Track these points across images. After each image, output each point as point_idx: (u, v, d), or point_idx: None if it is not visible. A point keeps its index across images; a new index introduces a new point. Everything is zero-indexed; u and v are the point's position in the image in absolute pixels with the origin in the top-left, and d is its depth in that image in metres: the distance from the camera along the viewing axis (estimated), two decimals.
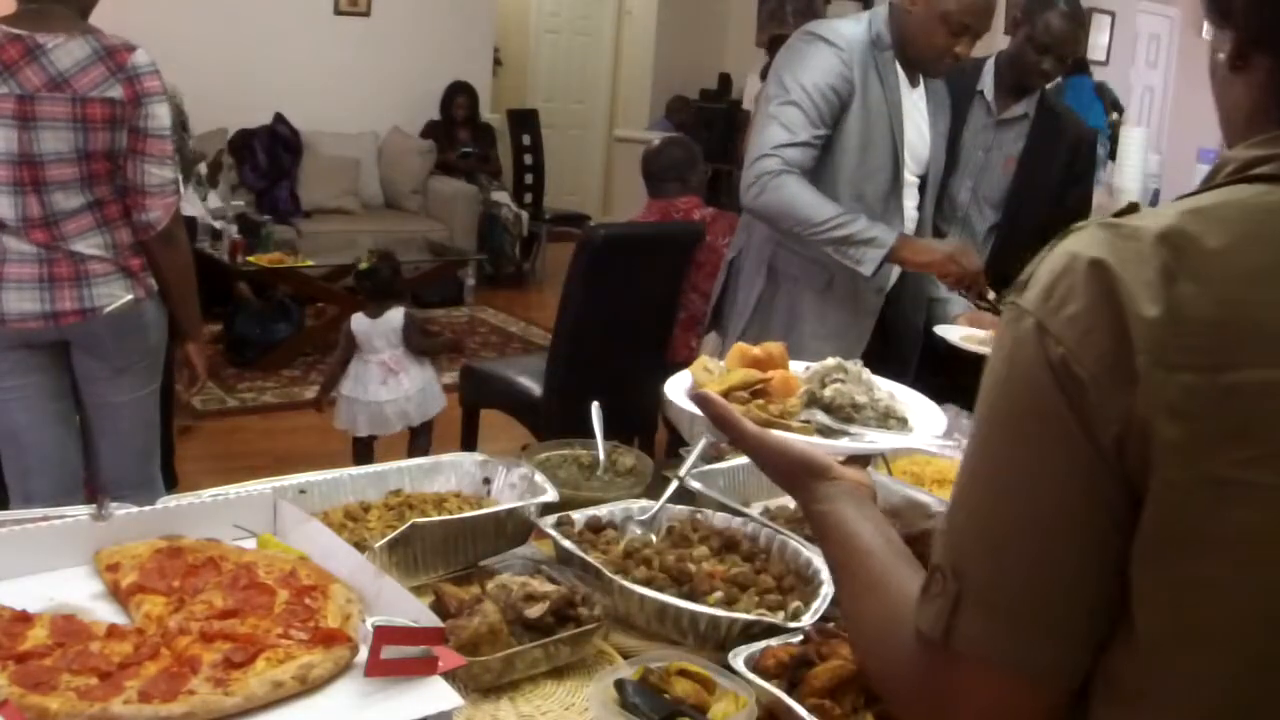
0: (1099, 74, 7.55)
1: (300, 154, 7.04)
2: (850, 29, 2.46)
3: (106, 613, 1.12)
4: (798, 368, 1.39)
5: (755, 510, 1.54)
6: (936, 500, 1.52)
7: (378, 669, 0.97)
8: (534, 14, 9.52)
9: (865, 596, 0.86)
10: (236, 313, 5.67)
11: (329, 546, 1.21)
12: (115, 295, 2.46)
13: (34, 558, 1.18)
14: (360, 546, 1.25)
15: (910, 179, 2.57)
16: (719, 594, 1.27)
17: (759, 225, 2.57)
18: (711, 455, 1.64)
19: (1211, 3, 0.78)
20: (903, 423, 1.32)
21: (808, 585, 1.32)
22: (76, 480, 2.60)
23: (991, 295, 2.44)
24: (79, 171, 2.37)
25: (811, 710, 1.04)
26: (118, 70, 2.35)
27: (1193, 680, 0.68)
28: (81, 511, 1.25)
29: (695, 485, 1.53)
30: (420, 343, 3.94)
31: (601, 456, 1.64)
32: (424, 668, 0.99)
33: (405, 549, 1.29)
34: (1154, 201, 4.32)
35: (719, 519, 1.47)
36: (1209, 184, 0.75)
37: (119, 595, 1.14)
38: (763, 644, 1.16)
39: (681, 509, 1.49)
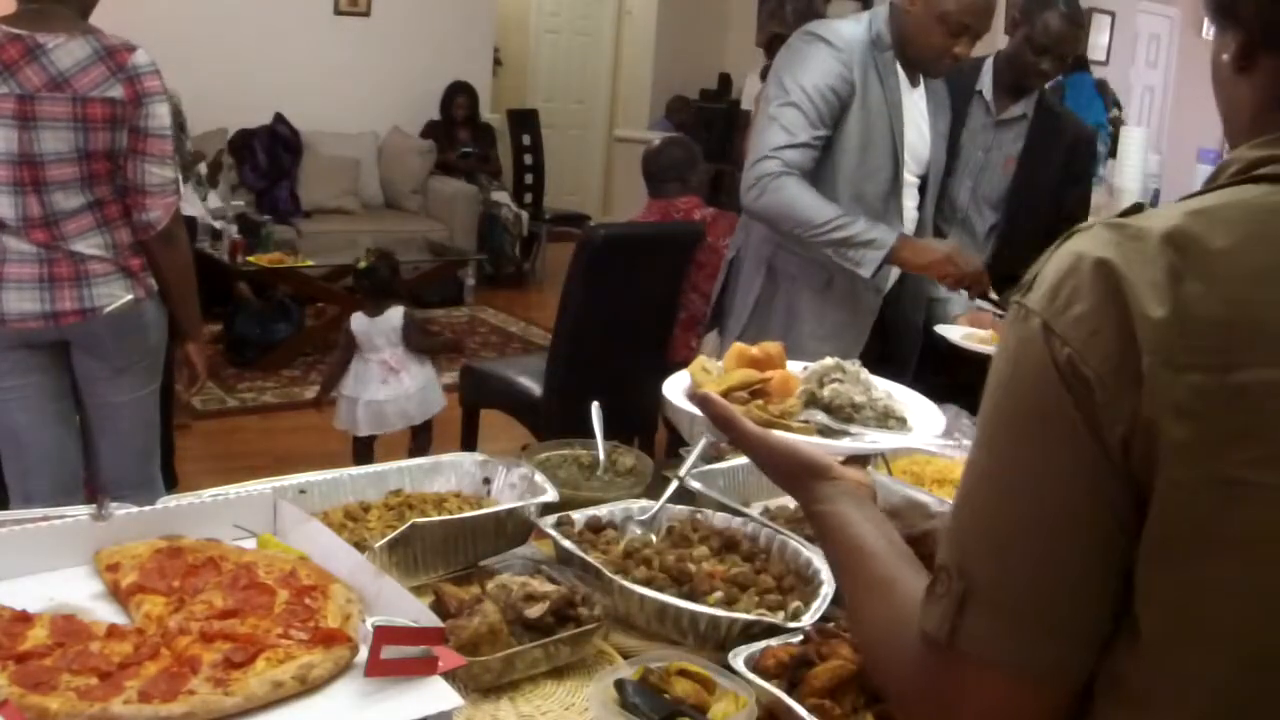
0: (1099, 74, 7.55)
1: (300, 154, 7.04)
2: (850, 29, 2.46)
3: (106, 613, 1.12)
4: (795, 367, 1.39)
5: (755, 510, 1.54)
6: (936, 500, 1.51)
7: (378, 669, 0.97)
8: (534, 14, 9.51)
9: (869, 597, 0.86)
10: (236, 313, 5.67)
11: (329, 546, 1.21)
12: (115, 295, 2.46)
13: (34, 558, 1.18)
14: (360, 546, 1.25)
15: (910, 179, 2.57)
16: (719, 594, 1.27)
17: (758, 225, 2.57)
18: (711, 455, 1.64)
19: (1216, 3, 0.78)
20: (902, 422, 1.32)
21: (808, 585, 1.32)
22: (76, 480, 2.60)
23: (993, 295, 2.44)
24: (79, 171, 2.37)
25: (811, 710, 1.04)
26: (118, 70, 2.35)
27: (1197, 680, 0.68)
28: (81, 511, 1.25)
29: (695, 485, 1.53)
30: (420, 341, 3.94)
31: (601, 456, 1.64)
32: (424, 668, 0.99)
33: (405, 549, 1.29)
34: (1154, 201, 4.31)
35: (719, 519, 1.47)
36: (1213, 184, 0.75)
37: (119, 595, 1.14)
38: (763, 644, 1.16)
39: (681, 509, 1.49)
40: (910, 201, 2.59)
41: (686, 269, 3.68)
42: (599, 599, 1.22)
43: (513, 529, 1.40)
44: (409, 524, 1.29)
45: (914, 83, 2.53)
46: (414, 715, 0.95)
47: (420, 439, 3.99)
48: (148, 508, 1.28)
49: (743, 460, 1.59)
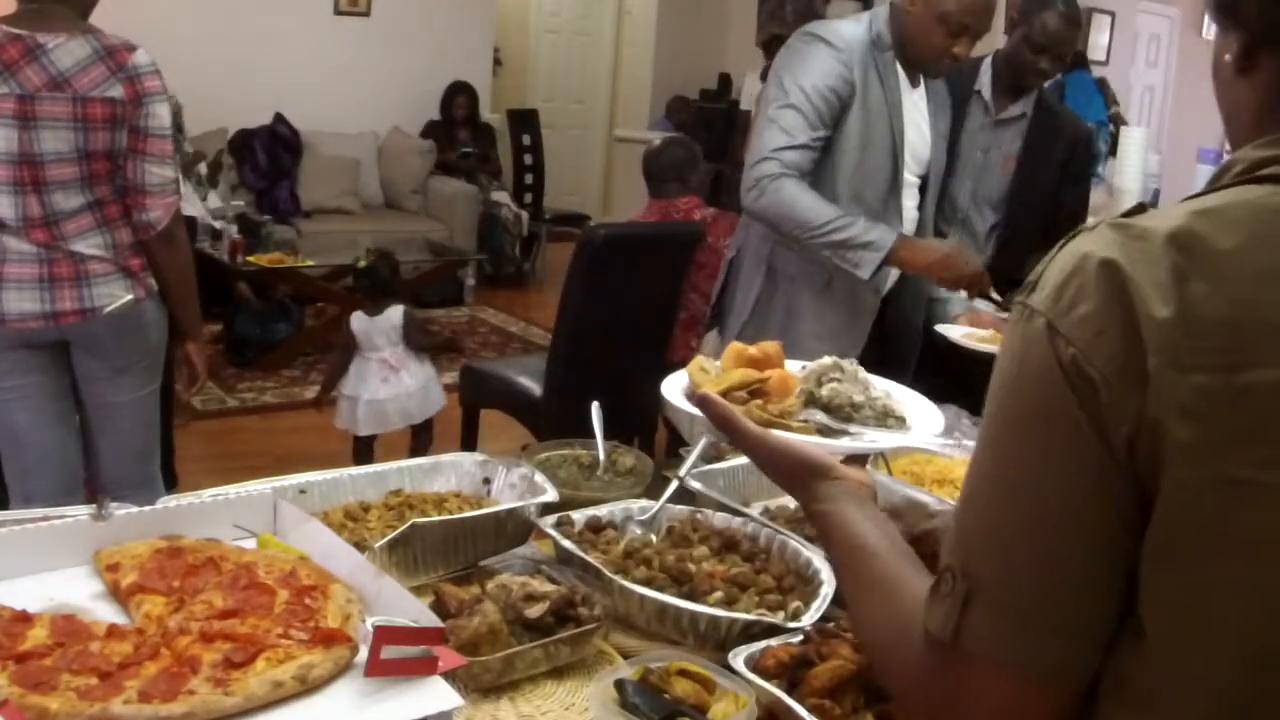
0: (1098, 74, 7.56)
1: (300, 154, 7.05)
2: (850, 29, 2.46)
3: (106, 613, 1.12)
4: (793, 366, 1.39)
5: (755, 510, 1.54)
6: (936, 500, 1.52)
7: (378, 669, 0.97)
8: (534, 14, 9.52)
9: (871, 597, 0.86)
10: (236, 313, 5.67)
11: (329, 546, 1.21)
12: (115, 295, 2.46)
13: (34, 558, 1.18)
14: (360, 546, 1.25)
15: (910, 179, 2.57)
16: (719, 594, 1.27)
17: (758, 225, 2.57)
18: (711, 455, 1.64)
19: (1218, 4, 0.78)
20: (901, 421, 1.32)
21: (808, 585, 1.32)
22: (76, 480, 2.60)
23: (994, 295, 2.44)
24: (79, 171, 2.37)
25: (811, 710, 1.04)
26: (118, 70, 2.35)
27: (1202, 680, 0.68)
28: (81, 511, 1.25)
29: (695, 485, 1.53)
30: (420, 339, 3.95)
31: (601, 456, 1.64)
32: (424, 668, 0.99)
33: (405, 549, 1.29)
34: (1154, 201, 4.32)
35: (719, 519, 1.47)
36: (1216, 184, 0.75)
37: (119, 595, 1.14)
38: (763, 644, 1.16)
39: (681, 509, 1.49)
40: (910, 201, 2.59)
41: (686, 269, 3.68)
42: (599, 599, 1.22)
43: (513, 529, 1.39)
44: (409, 524, 1.29)
45: (914, 83, 2.53)
46: (414, 715, 0.95)
47: (420, 439, 3.99)
48: (148, 508, 1.28)
49: (743, 460, 1.59)
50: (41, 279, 2.39)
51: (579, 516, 1.43)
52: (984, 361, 2.17)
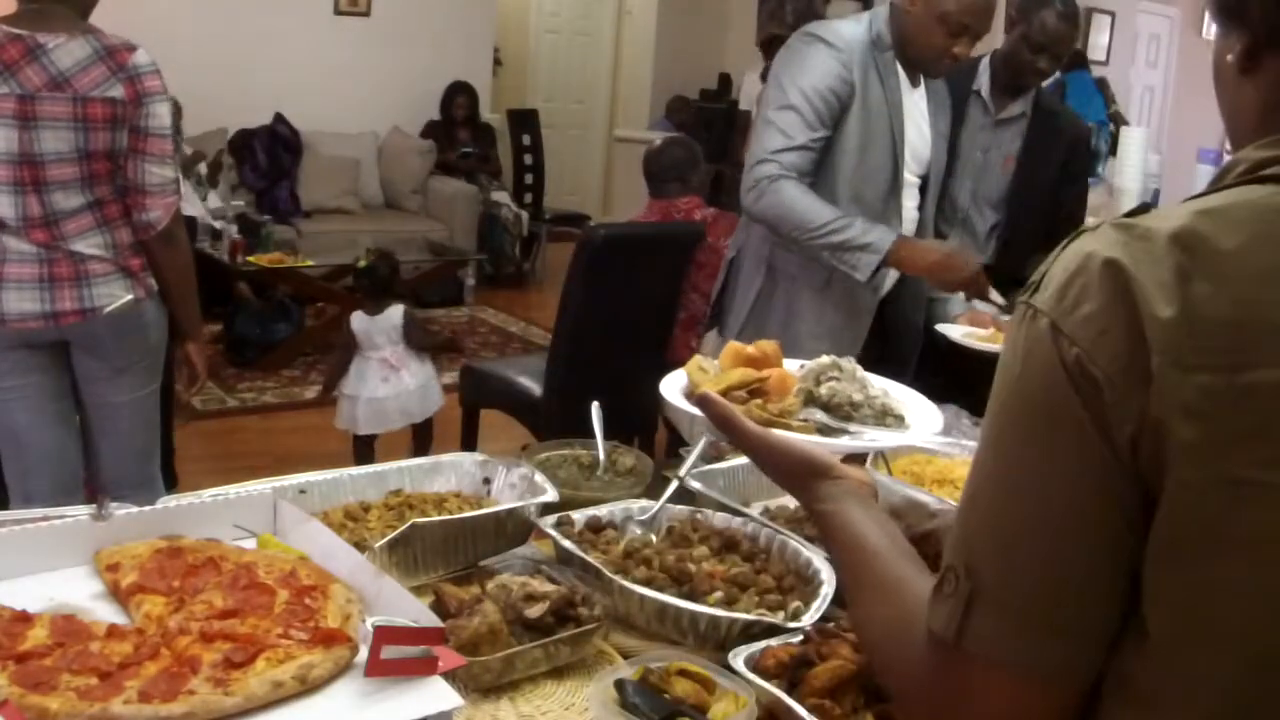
0: (1098, 74, 7.56)
1: (300, 154, 7.05)
2: (850, 30, 2.46)
3: (106, 613, 1.12)
4: (791, 365, 1.39)
5: (755, 510, 1.54)
6: (936, 500, 1.51)
7: (378, 669, 0.97)
8: (534, 14, 9.52)
9: (873, 597, 0.86)
10: (236, 313, 5.67)
11: (329, 546, 1.21)
12: (115, 295, 2.46)
13: (34, 558, 1.18)
14: (360, 546, 1.25)
15: (910, 179, 2.57)
16: (719, 594, 1.27)
17: (758, 225, 2.57)
18: (711, 455, 1.64)
19: (1221, 5, 0.78)
20: (900, 420, 1.32)
21: (808, 585, 1.32)
22: (76, 480, 2.60)
23: (994, 295, 2.43)
24: (79, 171, 2.37)
25: (811, 710, 1.04)
26: (118, 70, 2.35)
27: (1205, 680, 0.69)
28: (81, 511, 1.25)
29: (695, 485, 1.53)
30: (421, 339, 3.95)
31: (601, 456, 1.64)
32: (424, 668, 0.99)
33: (405, 549, 1.29)
34: (1154, 201, 4.31)
35: (719, 519, 1.47)
36: (1219, 184, 0.75)
37: (119, 595, 1.14)
38: (763, 644, 1.16)
39: (681, 509, 1.49)
40: (910, 202, 2.59)
41: (686, 269, 3.68)
42: (599, 599, 1.22)
43: (513, 529, 1.39)
44: (409, 524, 1.29)
45: (914, 83, 2.53)
46: (414, 715, 0.95)
47: (420, 438, 4.00)
48: (148, 508, 1.28)
49: (743, 460, 1.59)
50: (41, 279, 2.39)
51: (579, 516, 1.43)
52: (985, 361, 2.17)
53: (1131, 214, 0.74)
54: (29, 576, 1.16)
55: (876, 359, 1.82)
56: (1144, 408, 0.67)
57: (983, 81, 2.94)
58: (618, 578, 1.25)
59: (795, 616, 1.24)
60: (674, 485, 1.47)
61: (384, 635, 0.97)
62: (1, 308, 2.38)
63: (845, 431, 1.27)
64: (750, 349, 1.40)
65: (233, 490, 1.37)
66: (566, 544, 1.33)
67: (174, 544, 1.21)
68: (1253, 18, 0.75)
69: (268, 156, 6.91)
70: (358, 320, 3.87)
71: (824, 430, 1.26)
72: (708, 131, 7.78)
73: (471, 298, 7.16)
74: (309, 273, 5.87)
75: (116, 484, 2.51)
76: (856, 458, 1.08)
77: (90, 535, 1.21)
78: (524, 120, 8.56)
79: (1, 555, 1.15)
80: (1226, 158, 0.79)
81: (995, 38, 2.84)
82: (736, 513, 1.49)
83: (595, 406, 1.69)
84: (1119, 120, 6.99)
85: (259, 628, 1.05)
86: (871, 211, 2.46)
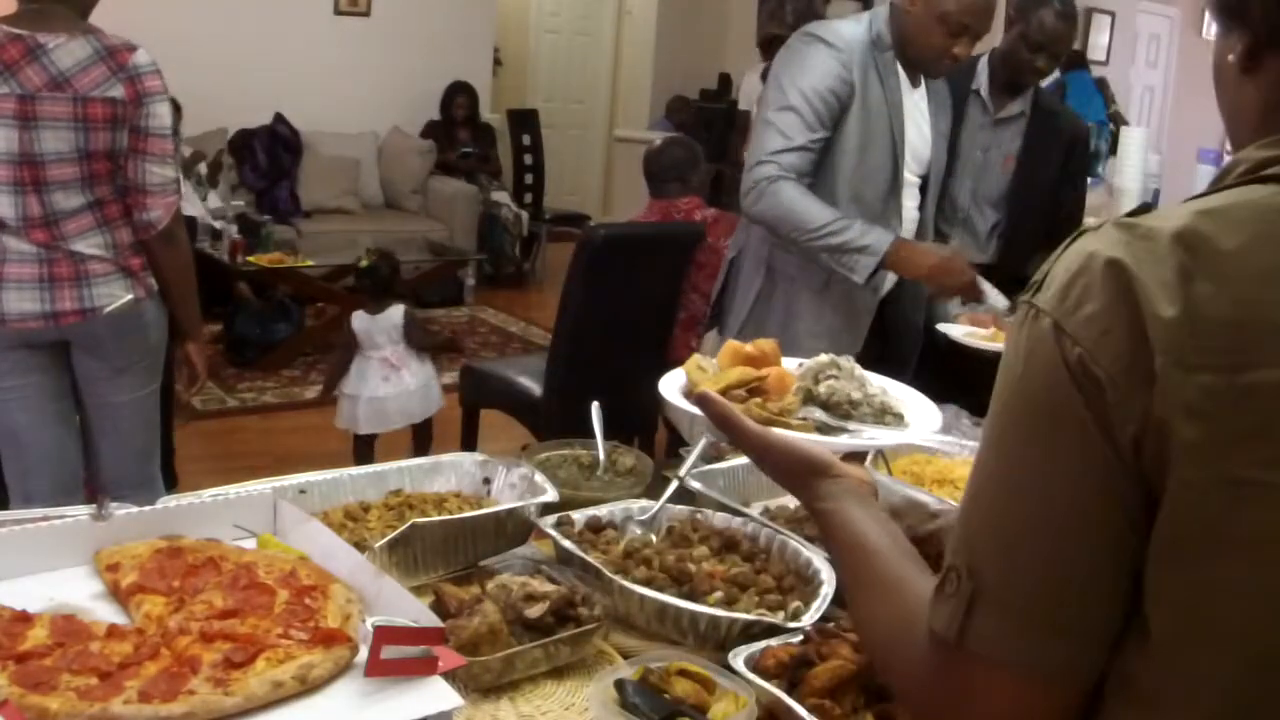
0: (1098, 74, 7.56)
1: (300, 154, 7.05)
2: (850, 30, 2.46)
3: (106, 613, 1.12)
4: (790, 364, 1.39)
5: (755, 510, 1.54)
6: (937, 500, 1.51)
7: (378, 669, 0.97)
8: (534, 14, 9.52)
9: (875, 596, 0.86)
10: (236, 313, 5.67)
11: (329, 546, 1.21)
12: (115, 295, 2.46)
13: (34, 558, 1.18)
14: (360, 546, 1.25)
15: (911, 179, 2.57)
16: (719, 594, 1.27)
17: (757, 225, 2.57)
18: (711, 455, 1.64)
19: (1222, 5, 0.78)
20: (899, 418, 1.32)
21: (808, 585, 1.32)
22: (76, 480, 2.60)
23: (993, 297, 2.43)
24: (80, 171, 2.37)
25: (811, 710, 1.04)
26: (119, 70, 2.35)
27: (1207, 680, 0.69)
28: (81, 511, 1.25)
29: (695, 485, 1.53)
30: (421, 338, 3.96)
31: (601, 456, 1.64)
32: (424, 668, 0.99)
33: (405, 549, 1.29)
34: (1154, 201, 4.31)
35: (719, 519, 1.47)
36: (1220, 184, 0.75)
37: (119, 595, 1.14)
38: (763, 644, 1.16)
39: (681, 509, 1.49)
40: (910, 202, 2.59)
41: (686, 269, 3.68)
42: (599, 599, 1.22)
43: (513, 529, 1.39)
44: (409, 524, 1.29)
45: (914, 83, 2.53)
46: (414, 715, 0.95)
47: (420, 438, 4.00)
48: (148, 508, 1.28)
49: (743, 460, 1.59)
50: (41, 279, 2.39)
51: (579, 516, 1.43)
52: (985, 360, 2.17)
53: (1132, 214, 0.74)
54: (29, 576, 1.16)
55: (876, 359, 1.82)
56: (1147, 408, 0.67)
57: (981, 81, 2.94)
58: (618, 578, 1.25)
59: (795, 616, 1.24)
60: (674, 485, 1.47)
61: (384, 635, 0.97)
62: (2, 308, 2.38)
63: (844, 430, 1.27)
64: (749, 348, 1.40)
65: (233, 490, 1.37)
66: (566, 544, 1.33)
67: (174, 544, 1.21)
68: (1253, 17, 0.75)
69: (268, 156, 6.91)
70: (359, 320, 3.87)
71: (823, 429, 1.26)
72: (708, 131, 7.78)
73: (471, 298, 7.16)
74: (309, 273, 5.87)
75: (116, 484, 2.51)
76: (856, 456, 1.08)
77: (90, 535, 1.21)
78: (524, 120, 8.56)
79: (1, 555, 1.15)
80: (1227, 158, 0.79)
81: (995, 37, 2.84)
82: (736, 513, 1.49)
83: (595, 406, 1.69)
84: (1119, 120, 6.99)
85: (259, 628, 1.05)
86: (871, 211, 2.46)
